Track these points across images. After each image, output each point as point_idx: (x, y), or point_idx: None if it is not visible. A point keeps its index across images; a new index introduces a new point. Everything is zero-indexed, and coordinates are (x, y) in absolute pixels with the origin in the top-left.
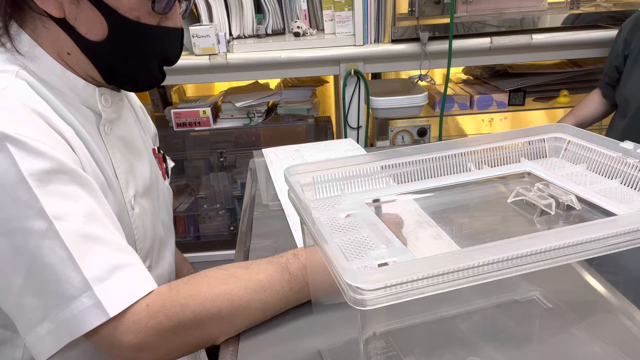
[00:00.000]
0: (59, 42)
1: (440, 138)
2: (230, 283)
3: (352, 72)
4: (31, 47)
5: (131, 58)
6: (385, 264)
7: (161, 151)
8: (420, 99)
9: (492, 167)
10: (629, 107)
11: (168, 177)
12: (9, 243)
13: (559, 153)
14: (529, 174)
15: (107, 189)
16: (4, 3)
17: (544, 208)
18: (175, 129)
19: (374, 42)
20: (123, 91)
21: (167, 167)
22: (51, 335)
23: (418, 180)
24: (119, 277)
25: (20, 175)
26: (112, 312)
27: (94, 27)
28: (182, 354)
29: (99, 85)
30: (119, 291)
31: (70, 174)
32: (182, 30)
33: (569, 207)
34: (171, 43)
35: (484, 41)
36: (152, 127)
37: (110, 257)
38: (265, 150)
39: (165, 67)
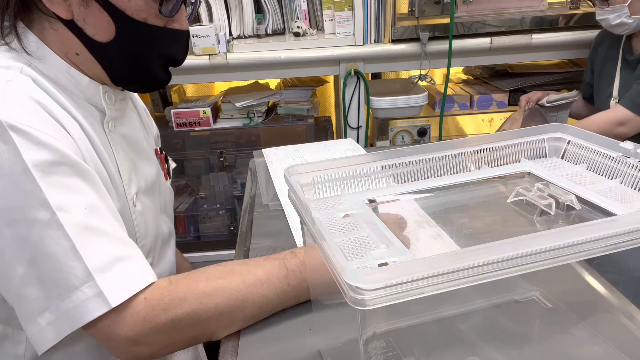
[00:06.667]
0: (67, 43)
1: (440, 138)
2: (228, 278)
3: (352, 72)
4: (38, 47)
5: (138, 59)
6: (385, 264)
7: (163, 152)
8: (420, 99)
9: (492, 167)
10: None
11: (170, 178)
12: (12, 233)
13: (559, 153)
14: (529, 174)
15: (109, 185)
16: (12, 4)
17: (544, 208)
18: (175, 129)
19: (374, 42)
20: (127, 92)
21: (169, 168)
22: (52, 326)
23: (418, 180)
24: (120, 269)
25: (24, 165)
26: (114, 303)
27: (102, 29)
28: (179, 347)
29: (103, 84)
30: (120, 282)
31: (72, 166)
32: (188, 32)
33: (569, 207)
34: (177, 45)
35: (484, 41)
36: (154, 128)
37: (111, 249)
38: (265, 150)
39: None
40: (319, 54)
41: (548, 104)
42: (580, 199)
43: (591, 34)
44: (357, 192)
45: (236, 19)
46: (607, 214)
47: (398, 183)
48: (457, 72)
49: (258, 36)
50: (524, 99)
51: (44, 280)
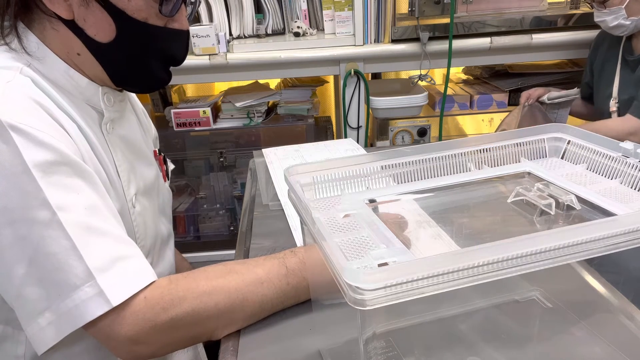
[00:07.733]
0: (68, 44)
1: (440, 138)
2: (227, 277)
3: (352, 72)
4: (38, 48)
5: (139, 59)
6: (385, 264)
7: (162, 153)
8: (420, 99)
9: (492, 167)
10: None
11: (168, 179)
12: (12, 232)
13: (559, 153)
14: (529, 174)
15: (108, 186)
16: (13, 4)
17: (544, 208)
18: (175, 129)
19: (374, 42)
20: (126, 93)
21: (167, 169)
22: (52, 326)
23: (418, 180)
24: (120, 268)
25: (25, 165)
26: (115, 302)
27: (103, 29)
28: (179, 346)
29: (103, 84)
30: (120, 281)
31: (72, 166)
32: (188, 32)
33: (569, 207)
34: (177, 45)
35: (484, 41)
36: (153, 129)
37: (112, 248)
38: (265, 150)
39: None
40: (319, 54)
41: (549, 101)
42: (580, 199)
43: (591, 34)
44: (357, 192)
45: (236, 19)
46: (607, 214)
47: (398, 183)
48: (457, 72)
49: (258, 36)
50: (524, 95)
51: (45, 280)
